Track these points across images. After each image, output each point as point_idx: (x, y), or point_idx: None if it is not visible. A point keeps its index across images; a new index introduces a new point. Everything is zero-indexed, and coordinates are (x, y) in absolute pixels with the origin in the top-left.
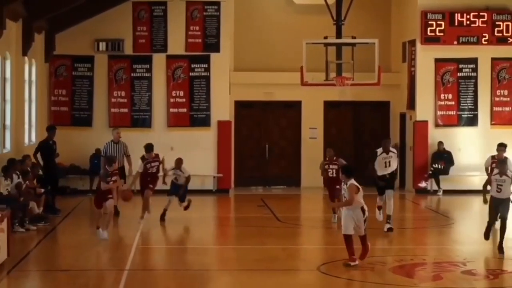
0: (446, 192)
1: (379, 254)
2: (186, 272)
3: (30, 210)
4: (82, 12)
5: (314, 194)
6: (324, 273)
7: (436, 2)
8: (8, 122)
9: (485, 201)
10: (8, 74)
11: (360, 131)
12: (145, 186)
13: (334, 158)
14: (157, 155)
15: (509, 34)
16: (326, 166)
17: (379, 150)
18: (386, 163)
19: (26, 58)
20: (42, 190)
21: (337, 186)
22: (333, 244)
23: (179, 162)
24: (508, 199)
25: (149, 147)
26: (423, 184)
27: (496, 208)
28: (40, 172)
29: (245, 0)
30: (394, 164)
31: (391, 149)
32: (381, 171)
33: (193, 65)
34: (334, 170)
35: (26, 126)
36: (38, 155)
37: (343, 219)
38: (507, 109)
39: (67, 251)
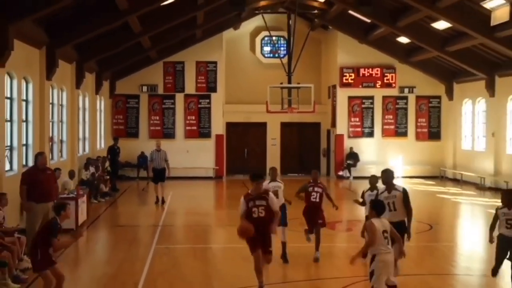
0: (355, 178)
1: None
2: (197, 226)
3: (100, 189)
4: (132, 68)
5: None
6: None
7: (349, 61)
8: (87, 135)
9: (491, 241)
10: (86, 106)
11: (302, 141)
12: (256, 245)
13: (319, 181)
14: (266, 191)
15: (393, 81)
16: (310, 189)
17: (381, 189)
18: (390, 204)
19: (97, 96)
20: (108, 177)
21: (320, 218)
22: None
23: (274, 171)
24: None
25: (255, 176)
26: (340, 173)
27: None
28: (107, 165)
29: (232, 60)
30: (402, 208)
31: (396, 186)
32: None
33: (200, 100)
34: (318, 194)
35: (97, 138)
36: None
37: (376, 270)
38: (392, 127)
39: (123, 214)
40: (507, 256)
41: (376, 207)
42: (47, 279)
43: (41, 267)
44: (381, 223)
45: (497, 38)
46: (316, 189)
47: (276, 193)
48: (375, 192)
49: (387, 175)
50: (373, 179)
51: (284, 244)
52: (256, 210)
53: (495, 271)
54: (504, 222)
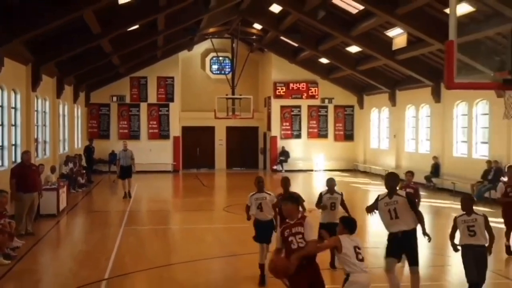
0: (286, 171)
1: None
2: (158, 211)
3: (78, 181)
4: (104, 81)
5: (222, 172)
6: (227, 211)
7: (281, 77)
8: (66, 137)
9: (455, 249)
10: (66, 113)
11: (244, 141)
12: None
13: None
14: (303, 217)
15: (316, 94)
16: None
17: (381, 195)
18: (391, 212)
19: (75, 104)
20: (84, 171)
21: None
22: (232, 189)
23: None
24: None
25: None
26: (275, 167)
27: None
28: (83, 161)
29: (186, 76)
30: (408, 215)
31: (398, 191)
32: (389, 226)
33: (160, 108)
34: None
35: (75, 139)
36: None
37: None
38: (315, 130)
39: (97, 202)
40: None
41: (350, 225)
42: None
43: None
44: (351, 239)
45: (397, 60)
46: (333, 196)
47: (260, 206)
48: (335, 195)
49: (392, 179)
50: (330, 182)
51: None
52: (294, 240)
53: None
54: (466, 230)
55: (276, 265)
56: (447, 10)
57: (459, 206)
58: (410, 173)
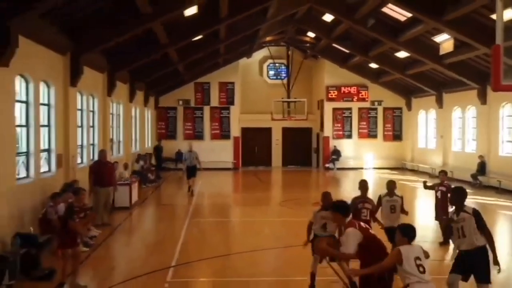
0: (338, 169)
1: None
2: (220, 205)
3: (148, 177)
4: (171, 87)
5: (278, 169)
6: (282, 206)
7: (333, 82)
8: (138, 137)
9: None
10: (137, 116)
11: (298, 141)
12: None
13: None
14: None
15: (366, 96)
16: (360, 205)
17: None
18: (459, 229)
19: (145, 108)
20: (153, 168)
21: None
22: (287, 185)
23: (392, 185)
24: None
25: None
26: (327, 165)
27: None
28: (153, 159)
29: (245, 81)
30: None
31: (466, 207)
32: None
33: (222, 111)
34: (368, 211)
35: (146, 139)
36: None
37: None
38: (365, 131)
39: (165, 196)
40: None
41: (409, 233)
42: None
43: (61, 246)
44: (412, 249)
45: (444, 64)
46: (366, 205)
47: (324, 226)
48: (395, 197)
49: (459, 195)
50: (390, 185)
51: None
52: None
53: None
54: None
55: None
56: (493, 16)
57: (505, 203)
58: (443, 173)
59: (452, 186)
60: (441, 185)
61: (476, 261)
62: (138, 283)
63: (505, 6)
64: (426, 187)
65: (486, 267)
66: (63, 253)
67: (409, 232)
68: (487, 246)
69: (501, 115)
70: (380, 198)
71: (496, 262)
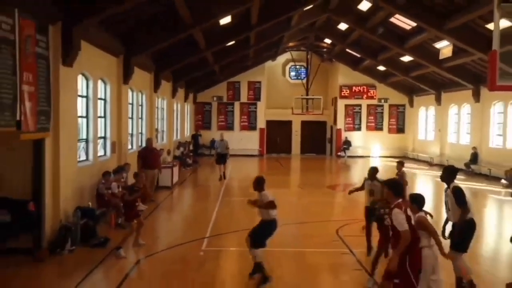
0: (348, 156)
1: None
2: (247, 186)
3: (187, 162)
4: (207, 85)
5: (297, 156)
6: (300, 188)
7: (345, 82)
8: (179, 127)
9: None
10: (179, 109)
11: (314, 132)
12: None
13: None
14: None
15: (374, 95)
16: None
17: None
18: (447, 204)
19: (185, 103)
20: (191, 154)
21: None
22: (305, 170)
23: (373, 171)
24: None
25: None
26: (339, 153)
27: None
28: (191, 146)
29: (270, 80)
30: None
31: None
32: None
33: (250, 106)
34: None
35: (185, 129)
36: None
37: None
38: (373, 124)
39: (201, 178)
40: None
41: (420, 201)
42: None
43: (128, 219)
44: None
45: (443, 67)
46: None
47: (371, 193)
48: (374, 182)
49: (447, 173)
50: (371, 170)
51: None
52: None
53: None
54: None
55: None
56: (487, 26)
57: (493, 189)
58: (400, 163)
59: (405, 178)
60: (397, 174)
61: (456, 231)
62: (178, 251)
63: (501, 16)
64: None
65: (459, 236)
66: (129, 224)
67: (420, 201)
68: (473, 220)
69: (492, 112)
70: (364, 181)
71: (443, 234)
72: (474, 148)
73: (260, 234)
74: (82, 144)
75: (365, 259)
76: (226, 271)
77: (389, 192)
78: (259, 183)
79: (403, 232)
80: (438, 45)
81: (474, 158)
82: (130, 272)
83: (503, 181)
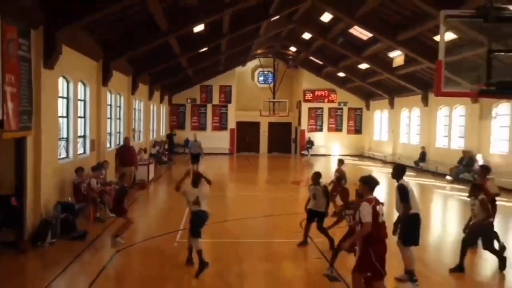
0: (311, 155)
1: None
2: (219, 182)
3: (162, 160)
4: (182, 88)
5: (264, 155)
6: (267, 184)
7: (309, 87)
8: (155, 127)
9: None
10: (155, 110)
11: (280, 133)
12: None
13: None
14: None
15: (335, 99)
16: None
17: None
18: (313, 195)
19: (161, 104)
20: (167, 152)
21: None
22: (271, 167)
23: (315, 176)
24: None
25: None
26: (303, 152)
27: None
28: (166, 145)
29: (240, 84)
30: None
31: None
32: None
33: (221, 108)
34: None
35: (161, 129)
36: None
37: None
38: (333, 125)
39: (175, 174)
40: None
41: (371, 183)
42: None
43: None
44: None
45: (396, 74)
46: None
47: (314, 196)
48: (317, 187)
49: (396, 170)
50: (314, 175)
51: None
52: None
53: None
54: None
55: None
56: (436, 38)
57: (441, 184)
58: (340, 161)
59: (344, 173)
60: (337, 171)
61: (401, 225)
62: (154, 242)
63: (446, 30)
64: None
65: (403, 230)
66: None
67: (371, 182)
68: (417, 214)
69: (439, 116)
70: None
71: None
72: (422, 147)
73: (194, 225)
74: (62, 143)
75: (326, 248)
76: (198, 261)
77: (364, 186)
78: (195, 181)
79: (364, 223)
80: (392, 54)
81: (423, 156)
82: (108, 263)
83: (448, 177)
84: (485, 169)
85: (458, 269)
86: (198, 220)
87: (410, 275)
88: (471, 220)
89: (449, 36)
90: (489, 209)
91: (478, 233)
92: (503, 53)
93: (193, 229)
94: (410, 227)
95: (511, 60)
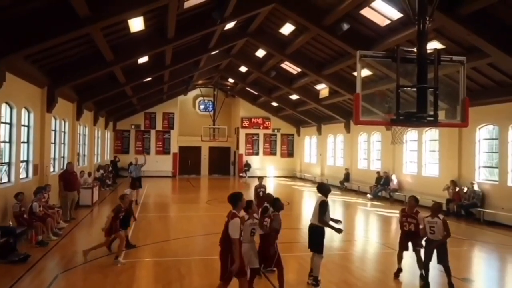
0: (249, 177)
1: None
2: (161, 203)
3: (106, 183)
4: (126, 115)
5: (205, 177)
6: (208, 204)
7: (246, 114)
8: (99, 152)
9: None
10: (99, 136)
11: (220, 156)
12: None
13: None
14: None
15: (269, 125)
16: (404, 219)
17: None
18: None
19: (106, 130)
20: (111, 176)
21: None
22: (212, 188)
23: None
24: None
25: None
26: (241, 174)
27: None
28: (110, 169)
29: (182, 111)
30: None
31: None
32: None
33: (164, 133)
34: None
35: (105, 154)
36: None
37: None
38: (268, 149)
39: (118, 197)
40: None
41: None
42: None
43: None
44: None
45: (322, 104)
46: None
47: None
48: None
49: (320, 188)
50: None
51: None
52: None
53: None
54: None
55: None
56: (354, 73)
57: (363, 202)
58: (260, 178)
59: (265, 188)
60: (260, 187)
61: (309, 234)
62: (97, 264)
63: (362, 67)
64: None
65: (314, 240)
66: (117, 237)
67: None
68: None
69: (359, 141)
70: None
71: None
72: (346, 169)
73: None
74: (4, 167)
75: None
76: (141, 280)
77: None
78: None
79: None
80: (318, 87)
81: (347, 177)
82: (49, 286)
83: (368, 195)
84: (416, 200)
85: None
86: None
87: (316, 281)
88: (425, 238)
89: (365, 72)
90: (449, 228)
91: (433, 249)
92: (409, 88)
93: None
94: (318, 238)
95: (415, 93)
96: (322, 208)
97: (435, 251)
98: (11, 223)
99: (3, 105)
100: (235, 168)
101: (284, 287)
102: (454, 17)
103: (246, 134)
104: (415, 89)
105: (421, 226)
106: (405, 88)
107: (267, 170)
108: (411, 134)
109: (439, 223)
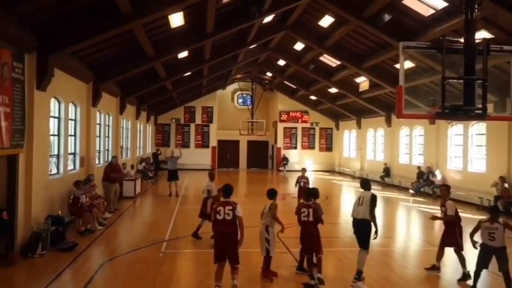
0: (287, 171)
1: None
2: (200, 196)
3: (148, 175)
4: (167, 109)
5: (244, 171)
6: (246, 197)
7: (284, 108)
8: (142, 145)
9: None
10: (141, 130)
11: (258, 150)
12: None
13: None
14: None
15: (308, 119)
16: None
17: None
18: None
19: (147, 124)
20: (152, 168)
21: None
22: (250, 182)
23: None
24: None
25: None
26: (280, 168)
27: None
28: (151, 161)
29: (221, 106)
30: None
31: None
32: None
33: (203, 127)
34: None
35: (147, 147)
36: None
37: None
38: (306, 143)
39: (160, 188)
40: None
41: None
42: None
43: None
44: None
45: (362, 98)
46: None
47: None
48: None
49: (363, 182)
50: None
51: None
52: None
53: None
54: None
55: None
56: (396, 65)
57: (404, 197)
58: (303, 169)
59: (308, 179)
60: (302, 177)
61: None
62: (140, 253)
63: (405, 59)
64: (297, 182)
65: (364, 236)
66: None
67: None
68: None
69: (401, 135)
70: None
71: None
72: (385, 164)
73: None
74: (53, 159)
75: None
76: (181, 270)
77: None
78: None
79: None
80: (358, 80)
81: (387, 172)
82: (95, 273)
83: (410, 191)
84: (447, 188)
85: None
86: None
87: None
88: (481, 243)
89: (408, 64)
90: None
91: (491, 257)
92: (455, 80)
93: None
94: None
95: (462, 86)
96: (374, 202)
97: (493, 257)
98: (60, 212)
99: (52, 100)
100: (273, 162)
101: (322, 273)
102: (504, 5)
103: (284, 128)
104: (461, 81)
105: (448, 213)
106: (451, 80)
107: (305, 164)
108: (456, 128)
109: (500, 228)
